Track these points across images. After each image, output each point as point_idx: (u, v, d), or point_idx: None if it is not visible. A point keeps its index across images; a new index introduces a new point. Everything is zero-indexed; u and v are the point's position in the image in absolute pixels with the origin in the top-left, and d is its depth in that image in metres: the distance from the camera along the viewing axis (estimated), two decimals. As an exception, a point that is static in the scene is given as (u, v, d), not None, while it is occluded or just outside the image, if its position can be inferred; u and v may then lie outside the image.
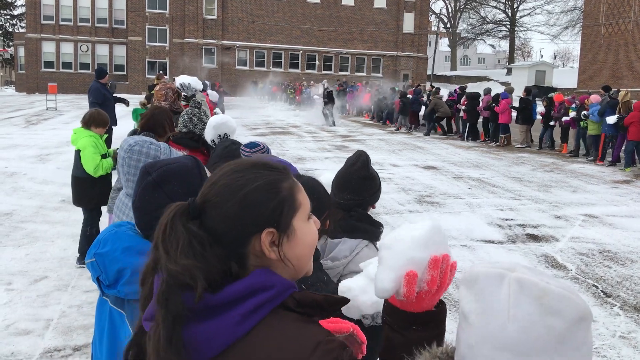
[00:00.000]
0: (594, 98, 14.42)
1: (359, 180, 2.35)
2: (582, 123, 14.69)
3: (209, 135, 3.90)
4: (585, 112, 14.34)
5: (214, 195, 1.09)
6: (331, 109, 23.95)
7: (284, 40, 47.59)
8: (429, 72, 50.71)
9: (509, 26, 59.00)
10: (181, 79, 7.07)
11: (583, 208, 9.01)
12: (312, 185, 1.97)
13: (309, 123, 23.88)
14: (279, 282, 1.05)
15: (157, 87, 6.42)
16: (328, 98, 24.10)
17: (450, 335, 1.05)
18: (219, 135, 3.85)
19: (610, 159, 13.65)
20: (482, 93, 19.33)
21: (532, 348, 0.82)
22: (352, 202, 2.32)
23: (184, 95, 6.74)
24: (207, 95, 15.05)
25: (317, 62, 48.62)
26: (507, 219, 8.17)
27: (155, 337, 0.97)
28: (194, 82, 7.02)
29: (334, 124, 23.18)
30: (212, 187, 1.11)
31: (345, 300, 1.16)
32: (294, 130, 21.06)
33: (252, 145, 3.47)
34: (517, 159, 14.52)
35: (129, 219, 1.90)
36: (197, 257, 1.00)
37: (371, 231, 2.26)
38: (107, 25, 46.49)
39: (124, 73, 45.92)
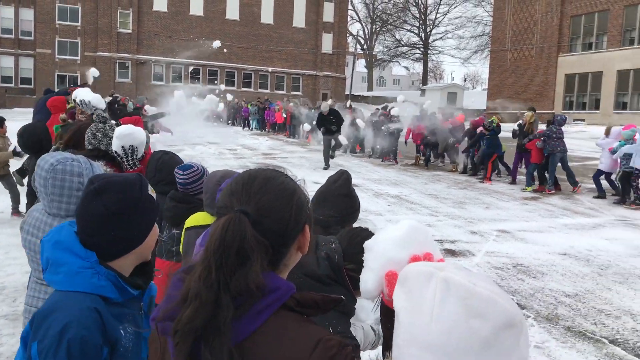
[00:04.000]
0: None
1: (339, 197, 2.41)
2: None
3: (114, 146, 3.62)
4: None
5: (270, 202, 1.17)
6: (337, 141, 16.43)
7: (202, 57, 47.04)
8: (347, 92, 51.72)
9: (422, 49, 61.35)
10: (80, 95, 6.01)
11: (496, 224, 9.39)
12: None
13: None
14: (282, 284, 1.13)
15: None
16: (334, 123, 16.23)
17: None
18: (123, 147, 3.60)
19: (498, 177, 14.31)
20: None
21: (454, 351, 0.79)
22: (331, 219, 2.34)
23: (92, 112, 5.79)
24: (146, 111, 14.47)
25: (235, 79, 48.38)
26: (426, 235, 8.37)
27: (216, 341, 1.04)
28: (96, 100, 5.98)
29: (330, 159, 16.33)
30: (261, 195, 1.17)
31: (340, 300, 1.19)
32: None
33: (185, 167, 3.44)
34: (432, 177, 14.99)
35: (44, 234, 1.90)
36: (263, 268, 1.10)
37: None
38: (12, 36, 44.14)
39: (31, 86, 43.67)
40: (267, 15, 48.87)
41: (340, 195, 2.42)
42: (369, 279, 1.12)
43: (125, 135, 3.62)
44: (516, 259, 7.28)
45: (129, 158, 3.63)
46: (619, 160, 11.64)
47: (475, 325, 0.79)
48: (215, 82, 47.57)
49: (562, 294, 6.05)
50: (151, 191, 1.75)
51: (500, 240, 8.30)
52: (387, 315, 1.12)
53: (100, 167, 2.39)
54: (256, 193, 1.17)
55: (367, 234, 1.98)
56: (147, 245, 1.75)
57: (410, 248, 1.12)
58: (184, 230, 3.16)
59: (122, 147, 3.60)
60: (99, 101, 6.06)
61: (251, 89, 47.82)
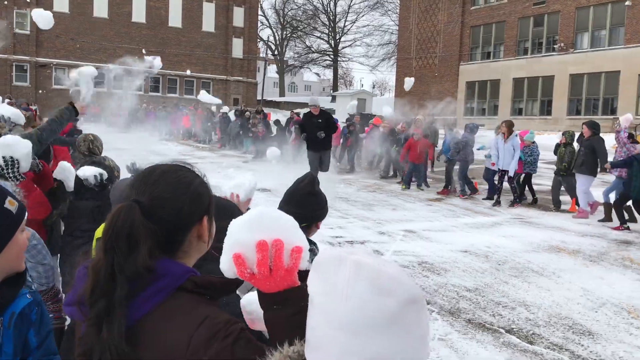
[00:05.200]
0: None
1: (304, 196, 2.60)
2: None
3: None
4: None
5: (163, 193, 1.27)
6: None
7: (106, 60, 45.31)
8: (259, 97, 51.61)
9: (332, 56, 62.37)
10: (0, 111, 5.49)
11: (403, 224, 9.74)
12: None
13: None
14: (177, 268, 1.24)
15: None
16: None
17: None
18: (4, 158, 3.43)
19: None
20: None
21: (365, 327, 0.87)
22: (295, 216, 2.34)
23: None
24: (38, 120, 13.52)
25: (143, 83, 47.00)
26: (337, 237, 8.56)
27: (113, 322, 1.14)
28: (15, 116, 5.53)
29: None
30: (155, 186, 1.28)
31: (240, 282, 1.24)
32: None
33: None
34: (343, 180, 15.29)
35: None
36: (151, 253, 1.19)
37: None
38: None
39: None
40: (175, 19, 47.86)
41: (305, 194, 2.61)
42: (223, 259, 1.18)
43: (5, 145, 3.47)
44: (421, 257, 7.59)
45: (9, 170, 3.45)
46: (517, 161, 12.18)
47: (383, 302, 0.87)
48: (121, 86, 46.01)
49: (464, 288, 6.38)
50: (9, 203, 1.67)
51: (406, 239, 8.62)
52: (258, 297, 1.20)
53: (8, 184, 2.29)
54: (152, 184, 1.29)
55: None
56: (7, 258, 1.68)
57: (256, 232, 1.17)
58: (94, 240, 3.08)
59: (3, 157, 3.44)
60: (19, 117, 5.66)
61: (159, 94, 46.61)
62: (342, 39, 62.83)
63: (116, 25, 45.63)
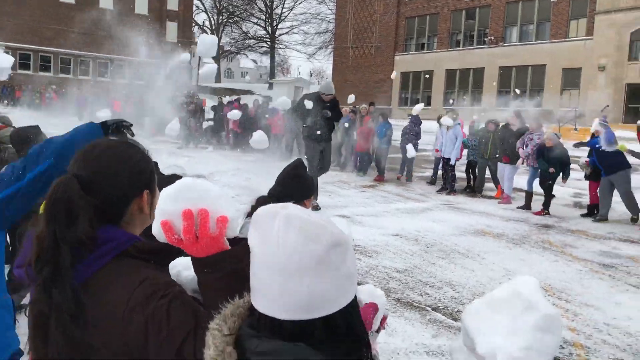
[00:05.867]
0: (344, 111, 16.10)
1: (289, 177, 3.02)
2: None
3: None
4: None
5: (103, 168, 1.37)
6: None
7: (33, 41, 43.33)
8: (194, 83, 50.70)
9: (269, 43, 61.93)
10: None
11: (338, 210, 9.92)
12: None
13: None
14: (119, 235, 1.34)
15: None
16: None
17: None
18: None
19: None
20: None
21: (297, 269, 1.00)
22: (278, 192, 2.94)
23: None
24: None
25: (71, 66, 45.25)
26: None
27: (60, 283, 1.25)
28: None
29: None
30: (96, 161, 1.38)
31: (178, 250, 1.32)
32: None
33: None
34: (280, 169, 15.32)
35: None
36: (91, 223, 1.29)
37: None
38: None
39: None
40: (106, 0, 46.26)
41: (290, 176, 3.03)
42: (154, 225, 1.28)
43: None
44: (355, 241, 7.77)
45: None
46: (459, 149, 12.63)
47: (310, 247, 1.01)
48: (49, 69, 44.17)
49: (394, 270, 6.61)
50: None
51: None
52: (192, 262, 1.29)
53: None
54: (92, 159, 1.38)
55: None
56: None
57: (181, 202, 1.26)
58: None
59: None
60: None
61: (89, 77, 45.02)
62: (280, 25, 62.48)
63: (42, 5, 43.66)
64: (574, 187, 13.00)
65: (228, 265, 1.23)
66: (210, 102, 29.84)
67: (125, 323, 1.23)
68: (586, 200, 10.93)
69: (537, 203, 10.65)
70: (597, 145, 9.88)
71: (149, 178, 1.46)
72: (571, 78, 32.24)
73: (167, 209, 1.26)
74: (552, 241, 8.43)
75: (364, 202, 10.88)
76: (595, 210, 10.29)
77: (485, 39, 36.18)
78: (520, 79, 34.33)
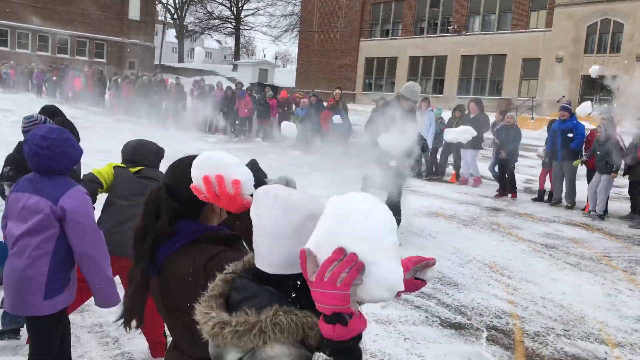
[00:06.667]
0: (304, 102, 16.54)
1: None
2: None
3: None
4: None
5: (186, 179, 1.75)
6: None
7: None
8: (157, 62, 49.97)
9: (234, 24, 61.35)
10: None
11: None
12: None
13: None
14: (192, 227, 1.80)
15: None
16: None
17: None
18: None
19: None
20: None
21: (280, 234, 1.34)
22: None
23: None
24: None
25: (30, 42, 44.01)
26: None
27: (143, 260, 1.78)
28: None
29: None
30: (178, 174, 1.85)
31: (238, 236, 1.82)
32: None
33: (28, 117, 4.12)
34: (247, 150, 15.50)
35: None
36: (170, 220, 1.79)
37: None
38: None
39: None
40: (66, -26, 44.99)
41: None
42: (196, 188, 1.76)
43: None
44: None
45: None
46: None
47: (289, 218, 1.33)
48: (6, 44, 42.86)
49: (349, 247, 6.91)
50: None
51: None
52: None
53: None
54: (176, 172, 1.88)
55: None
56: None
57: (202, 170, 1.68)
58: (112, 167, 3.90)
59: None
60: None
61: (48, 53, 43.90)
62: (245, 6, 61.89)
63: (-1, -23, 42.22)
64: (525, 174, 13.57)
65: (247, 219, 1.55)
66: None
67: (193, 284, 1.64)
68: (537, 186, 11.47)
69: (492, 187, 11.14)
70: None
71: None
72: (530, 68, 33.06)
73: (195, 176, 1.70)
74: (500, 223, 8.89)
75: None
76: (545, 196, 10.85)
77: (449, 27, 36.72)
78: (481, 68, 35.03)
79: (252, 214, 1.40)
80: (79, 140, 3.85)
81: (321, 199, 1.33)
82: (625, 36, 28.80)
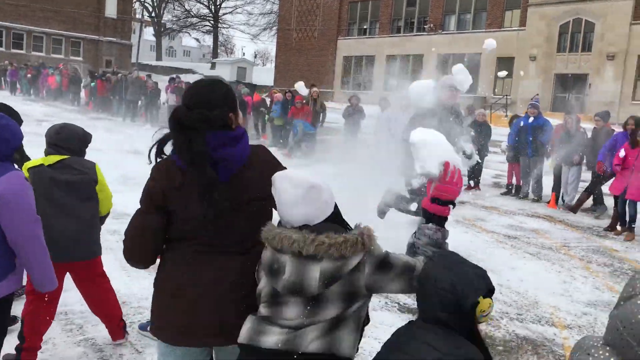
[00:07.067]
0: (278, 96, 16.66)
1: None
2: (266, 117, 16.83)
3: None
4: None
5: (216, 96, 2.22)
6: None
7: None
8: (134, 60, 49.69)
9: (212, 22, 61.20)
10: None
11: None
12: None
13: None
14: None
15: None
16: None
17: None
18: None
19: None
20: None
21: (293, 203, 1.99)
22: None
23: None
24: None
25: (4, 39, 43.45)
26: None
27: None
28: None
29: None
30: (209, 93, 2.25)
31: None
32: None
33: None
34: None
35: None
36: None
37: None
38: None
39: None
40: (41, -29, 44.50)
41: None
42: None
43: None
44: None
45: None
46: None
47: (297, 190, 1.98)
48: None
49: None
50: None
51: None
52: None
53: None
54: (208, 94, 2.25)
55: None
56: None
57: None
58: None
59: None
60: None
61: (23, 51, 43.38)
62: (223, 4, 61.84)
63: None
64: (495, 169, 13.86)
65: None
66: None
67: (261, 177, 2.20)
68: (505, 180, 11.74)
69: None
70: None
71: (235, 100, 2.37)
72: (505, 67, 33.53)
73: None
74: (465, 215, 9.11)
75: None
76: (513, 190, 11.13)
77: (425, 27, 37.08)
78: (457, 67, 35.45)
79: (273, 192, 2.04)
80: (20, 123, 3.77)
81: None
82: (596, 35, 29.42)
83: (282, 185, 2.00)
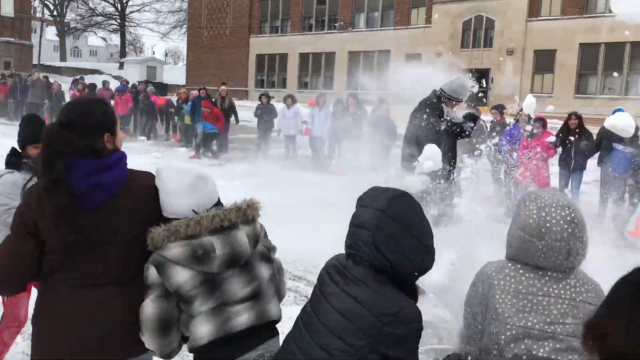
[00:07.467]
0: (194, 93, 16.44)
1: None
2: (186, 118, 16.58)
3: None
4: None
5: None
6: None
7: None
8: (35, 62, 47.19)
9: (119, 20, 59.16)
10: None
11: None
12: None
13: None
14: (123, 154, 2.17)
15: None
16: None
17: None
18: None
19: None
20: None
21: (181, 191, 2.11)
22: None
23: None
24: None
25: None
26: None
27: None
28: None
29: None
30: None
31: None
32: None
33: None
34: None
35: None
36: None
37: None
38: None
39: None
40: None
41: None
42: None
43: None
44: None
45: None
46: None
47: (185, 179, 2.11)
48: None
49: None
50: None
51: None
52: None
53: None
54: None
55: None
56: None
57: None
58: None
59: None
60: None
61: None
62: (130, 2, 59.89)
63: None
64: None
65: None
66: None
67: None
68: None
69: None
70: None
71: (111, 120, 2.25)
72: (413, 63, 34.67)
73: None
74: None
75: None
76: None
77: (336, 25, 37.63)
78: (368, 64, 36.24)
79: (157, 184, 2.12)
80: None
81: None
82: (496, 32, 30.98)
83: (167, 175, 2.12)
